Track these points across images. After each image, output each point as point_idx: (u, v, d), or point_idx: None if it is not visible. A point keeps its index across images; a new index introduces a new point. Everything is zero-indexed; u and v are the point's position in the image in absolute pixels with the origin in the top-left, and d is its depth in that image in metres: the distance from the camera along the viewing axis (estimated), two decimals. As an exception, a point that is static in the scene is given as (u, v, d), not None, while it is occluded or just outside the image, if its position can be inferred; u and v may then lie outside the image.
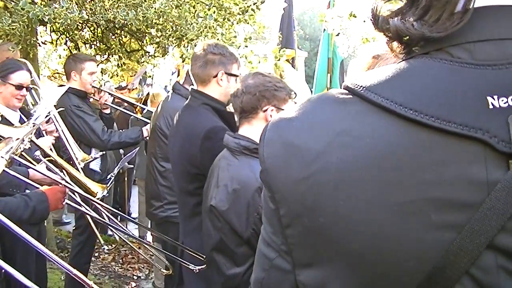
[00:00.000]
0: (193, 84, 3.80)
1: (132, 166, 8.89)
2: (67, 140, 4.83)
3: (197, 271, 4.06)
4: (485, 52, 0.84)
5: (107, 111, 6.10)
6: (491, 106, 0.79)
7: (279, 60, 6.84)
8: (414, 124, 0.82)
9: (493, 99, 0.79)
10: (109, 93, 6.20)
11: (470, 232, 0.79)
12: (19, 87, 4.43)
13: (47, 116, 4.07)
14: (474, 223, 0.78)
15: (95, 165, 5.31)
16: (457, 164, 0.80)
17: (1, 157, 2.36)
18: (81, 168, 4.93)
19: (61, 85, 5.79)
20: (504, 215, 0.77)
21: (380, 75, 0.90)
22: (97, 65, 7.30)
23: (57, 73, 7.23)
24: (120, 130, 5.62)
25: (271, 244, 1.01)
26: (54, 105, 4.60)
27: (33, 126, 3.26)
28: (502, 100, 0.79)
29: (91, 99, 5.92)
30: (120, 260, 7.61)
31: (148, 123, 5.72)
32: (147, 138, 5.76)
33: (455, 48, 0.85)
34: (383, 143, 0.84)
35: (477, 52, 0.84)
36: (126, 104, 7.11)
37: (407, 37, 0.89)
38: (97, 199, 4.11)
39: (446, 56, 0.85)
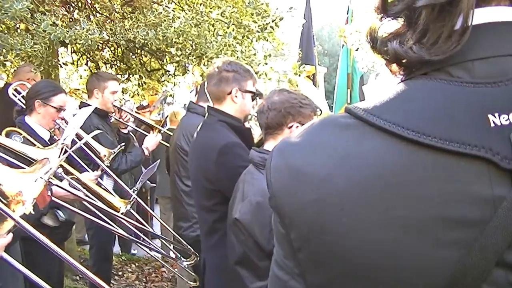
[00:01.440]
0: (208, 101, 3.84)
1: (155, 184, 8.91)
2: (86, 145, 4.84)
3: (185, 266, 4.20)
4: (484, 70, 0.84)
5: (125, 130, 6.13)
6: (492, 124, 0.79)
7: (299, 76, 6.83)
8: (416, 145, 0.82)
9: (494, 116, 0.80)
10: (129, 113, 6.23)
11: (479, 249, 0.78)
12: (59, 109, 4.53)
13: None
14: (482, 241, 0.78)
15: (109, 185, 5.31)
16: (462, 183, 0.79)
17: (40, 177, 2.38)
18: (107, 165, 4.98)
19: (81, 102, 5.85)
20: None
21: (380, 97, 0.90)
22: (118, 84, 7.37)
23: (77, 89, 7.30)
24: (126, 154, 5.60)
25: (284, 267, 1.00)
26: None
27: (62, 147, 3.29)
28: (503, 118, 0.79)
29: (112, 119, 5.96)
30: (144, 279, 7.62)
31: (167, 146, 5.76)
32: (148, 156, 5.79)
33: (454, 67, 0.85)
34: (386, 165, 0.84)
35: (476, 70, 0.84)
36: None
37: (406, 60, 0.89)
38: (121, 214, 4.15)
39: (445, 76, 0.86)
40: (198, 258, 4.27)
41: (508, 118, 0.79)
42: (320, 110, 3.12)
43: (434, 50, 0.84)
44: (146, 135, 6.09)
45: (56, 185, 3.62)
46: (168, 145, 5.96)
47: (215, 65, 3.72)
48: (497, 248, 0.77)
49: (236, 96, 3.62)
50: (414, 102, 0.86)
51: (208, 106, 3.83)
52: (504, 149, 0.78)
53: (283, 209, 0.95)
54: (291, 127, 2.97)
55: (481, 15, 0.86)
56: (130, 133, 6.65)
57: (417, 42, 0.87)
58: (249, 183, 2.97)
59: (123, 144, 5.52)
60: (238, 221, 2.87)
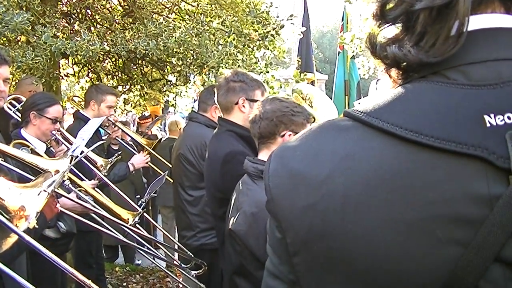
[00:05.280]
0: (206, 111, 3.81)
1: (155, 194, 8.91)
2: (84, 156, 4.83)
3: (194, 275, 4.25)
4: (479, 73, 0.86)
5: (116, 147, 6.11)
6: (488, 124, 0.82)
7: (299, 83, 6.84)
8: (415, 145, 0.84)
9: (490, 117, 0.82)
10: (122, 130, 6.20)
11: (477, 247, 0.80)
12: (54, 120, 4.53)
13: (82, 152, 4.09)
14: (479, 238, 0.80)
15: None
16: (459, 182, 0.82)
17: (44, 190, 2.37)
18: (105, 174, 4.96)
19: (76, 111, 5.86)
20: (509, 228, 0.79)
21: (379, 100, 0.92)
22: (120, 95, 7.34)
23: (76, 96, 7.30)
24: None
25: (279, 275, 1.02)
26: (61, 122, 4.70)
27: (71, 158, 3.28)
28: (499, 118, 0.82)
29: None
30: (149, 290, 7.61)
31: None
32: (134, 172, 5.80)
33: (451, 70, 0.88)
34: (386, 165, 0.86)
35: (472, 73, 0.86)
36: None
37: (405, 63, 0.91)
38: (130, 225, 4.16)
39: (442, 79, 0.88)
40: (206, 267, 4.27)
41: (503, 119, 0.82)
42: (313, 117, 3.11)
43: (432, 52, 0.87)
44: (135, 154, 6.09)
45: (65, 196, 3.61)
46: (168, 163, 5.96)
47: (223, 76, 3.79)
48: (494, 245, 0.79)
49: (243, 106, 3.66)
50: (412, 104, 0.88)
51: (218, 117, 3.91)
52: (499, 148, 0.80)
53: (281, 213, 0.96)
54: (283, 135, 2.97)
55: (478, 21, 0.89)
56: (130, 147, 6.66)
57: (415, 45, 0.89)
58: (244, 193, 2.97)
59: (120, 152, 5.51)
60: (233, 232, 2.87)
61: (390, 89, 0.95)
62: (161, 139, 8.03)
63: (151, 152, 6.25)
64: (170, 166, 5.72)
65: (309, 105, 5.26)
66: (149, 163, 6.12)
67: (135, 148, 6.55)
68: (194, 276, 4.47)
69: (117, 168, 5.61)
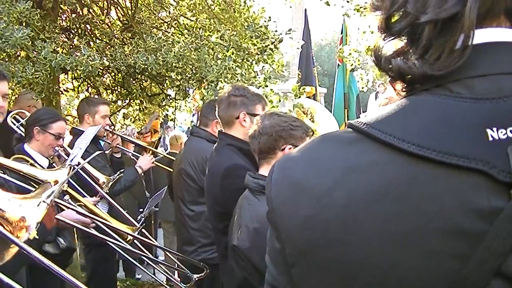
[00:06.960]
0: (207, 126, 3.95)
1: (157, 209, 8.90)
2: (85, 172, 4.82)
3: (196, 279, 4.25)
4: (483, 86, 0.86)
5: (118, 155, 6.11)
6: (490, 138, 0.81)
7: (299, 97, 6.84)
8: (416, 158, 0.84)
9: (492, 131, 0.82)
10: (122, 137, 6.21)
11: (477, 261, 0.79)
12: (57, 136, 4.52)
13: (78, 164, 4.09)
14: (479, 252, 0.79)
15: (103, 210, 5.26)
16: (460, 195, 0.81)
17: (43, 201, 2.36)
18: (107, 192, 4.95)
19: (73, 128, 5.85)
20: (509, 243, 0.78)
21: (382, 112, 0.92)
22: (119, 110, 7.34)
23: (69, 115, 7.29)
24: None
25: (277, 285, 1.01)
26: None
27: (70, 168, 3.28)
28: (501, 132, 0.81)
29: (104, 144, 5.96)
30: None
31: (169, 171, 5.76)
32: (143, 174, 5.78)
33: (454, 83, 0.87)
34: (387, 178, 0.86)
35: (475, 87, 0.86)
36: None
37: (410, 76, 0.91)
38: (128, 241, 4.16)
39: (446, 92, 0.87)
40: (208, 271, 4.25)
41: (506, 133, 0.81)
42: (312, 130, 3.12)
43: (437, 65, 0.87)
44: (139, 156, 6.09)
45: (70, 208, 3.61)
46: (169, 169, 5.95)
47: (224, 91, 3.79)
48: (495, 259, 0.79)
49: (244, 120, 3.65)
50: (415, 116, 0.87)
51: (219, 130, 3.90)
52: (501, 162, 0.80)
53: (281, 223, 0.96)
54: (283, 149, 2.97)
55: (483, 35, 0.89)
56: (132, 156, 6.65)
57: (420, 58, 0.89)
58: (245, 209, 2.96)
59: (123, 170, 5.50)
60: (237, 247, 2.87)
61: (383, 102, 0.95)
62: (161, 136, 8.03)
63: (154, 151, 6.26)
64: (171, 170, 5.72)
65: (310, 119, 5.27)
66: (155, 162, 6.12)
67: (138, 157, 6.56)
68: (196, 279, 4.44)
69: (126, 174, 5.59)
